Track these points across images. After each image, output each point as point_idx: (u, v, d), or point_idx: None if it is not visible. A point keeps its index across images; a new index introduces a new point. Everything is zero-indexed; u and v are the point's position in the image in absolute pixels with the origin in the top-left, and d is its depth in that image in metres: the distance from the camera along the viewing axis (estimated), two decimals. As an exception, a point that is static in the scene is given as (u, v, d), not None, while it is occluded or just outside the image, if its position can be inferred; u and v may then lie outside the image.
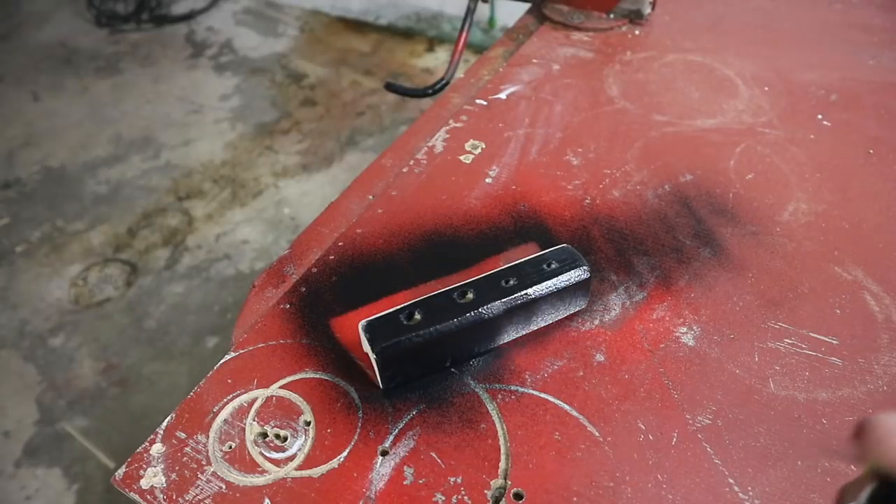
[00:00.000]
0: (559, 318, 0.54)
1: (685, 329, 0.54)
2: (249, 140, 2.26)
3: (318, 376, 0.50)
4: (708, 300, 0.56)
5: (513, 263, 0.52)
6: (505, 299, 0.49)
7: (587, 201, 0.66)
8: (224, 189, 2.06)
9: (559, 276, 0.51)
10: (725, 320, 0.55)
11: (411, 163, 0.70)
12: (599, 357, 0.52)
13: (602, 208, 0.65)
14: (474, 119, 0.77)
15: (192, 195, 2.05)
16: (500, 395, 0.49)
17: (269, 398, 0.49)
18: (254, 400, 0.49)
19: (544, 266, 0.51)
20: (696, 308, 0.56)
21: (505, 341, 0.52)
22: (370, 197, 0.68)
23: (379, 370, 0.48)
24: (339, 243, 0.61)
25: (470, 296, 0.49)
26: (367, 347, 0.48)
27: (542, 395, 0.49)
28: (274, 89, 2.49)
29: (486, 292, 0.50)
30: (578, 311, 0.55)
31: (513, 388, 0.50)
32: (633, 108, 0.79)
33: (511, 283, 0.50)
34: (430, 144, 0.73)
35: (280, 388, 0.50)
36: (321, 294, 0.56)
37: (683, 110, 0.78)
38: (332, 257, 0.60)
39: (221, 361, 0.52)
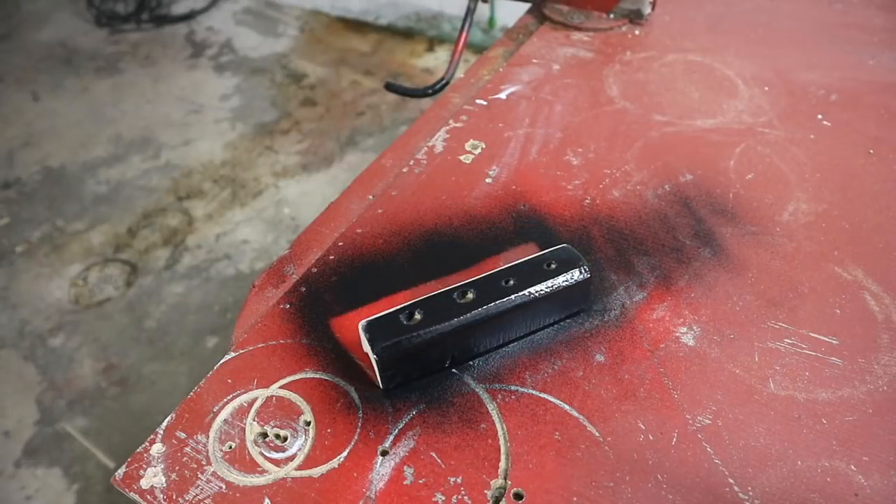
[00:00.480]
0: (559, 318, 0.54)
1: (685, 329, 0.54)
2: (249, 140, 2.26)
3: (318, 376, 0.50)
4: (708, 300, 0.56)
5: (513, 263, 0.52)
6: (505, 299, 0.49)
7: (587, 201, 0.66)
8: (224, 189, 2.06)
9: (559, 276, 0.51)
10: (725, 320, 0.55)
11: (411, 163, 0.70)
12: (599, 357, 0.52)
13: (602, 208, 0.65)
14: (474, 119, 0.77)
15: (192, 195, 2.05)
16: (500, 395, 0.49)
17: (269, 398, 0.49)
18: (254, 400, 0.49)
19: (544, 266, 0.51)
20: (696, 308, 0.56)
21: (505, 341, 0.52)
22: (370, 197, 0.68)
23: (379, 370, 0.48)
24: (339, 243, 0.61)
25: (470, 296, 0.49)
26: (367, 347, 0.48)
27: (542, 395, 0.49)
28: (274, 89, 2.49)
29: (486, 292, 0.50)
30: (578, 311, 0.55)
31: (513, 388, 0.50)
32: (633, 108, 0.79)
33: (511, 283, 0.50)
34: (430, 144, 0.73)
35: (280, 388, 0.50)
36: (321, 294, 0.56)
37: (683, 110, 0.78)
38: (332, 257, 0.60)
39: (221, 361, 0.52)
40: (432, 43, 2.71)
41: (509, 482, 0.44)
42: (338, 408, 0.49)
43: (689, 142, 0.74)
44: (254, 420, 0.48)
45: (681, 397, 0.49)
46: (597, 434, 0.47)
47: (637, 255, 0.60)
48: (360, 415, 0.48)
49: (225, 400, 0.49)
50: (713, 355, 0.52)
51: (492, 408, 0.49)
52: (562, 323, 0.54)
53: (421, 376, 0.50)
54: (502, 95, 0.81)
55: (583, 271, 0.51)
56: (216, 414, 0.48)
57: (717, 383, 0.50)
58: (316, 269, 0.59)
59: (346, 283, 0.57)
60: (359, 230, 0.63)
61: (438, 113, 0.79)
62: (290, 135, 2.28)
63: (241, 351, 0.52)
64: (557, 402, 0.49)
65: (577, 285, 0.51)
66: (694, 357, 0.52)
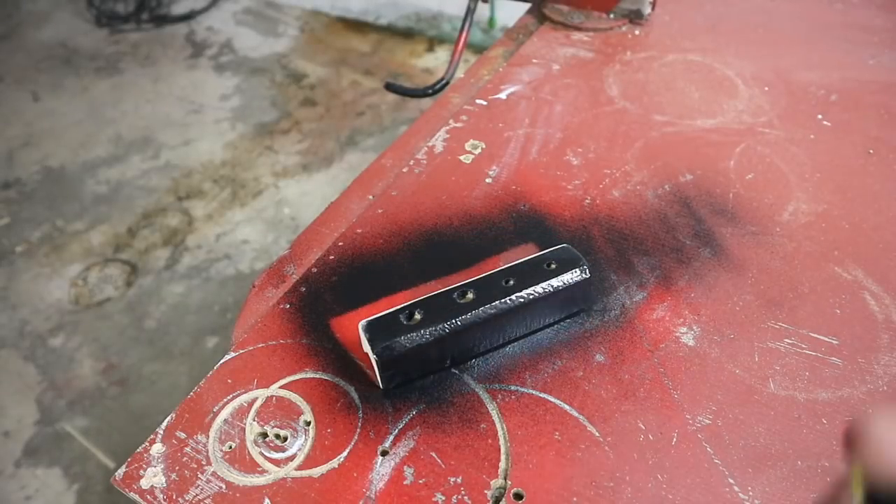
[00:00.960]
0: (559, 318, 0.54)
1: (685, 329, 0.54)
2: (249, 140, 2.26)
3: (318, 376, 0.50)
4: (708, 300, 0.56)
5: (513, 263, 0.52)
6: (505, 299, 0.49)
7: (587, 201, 0.66)
8: (224, 189, 2.06)
9: (559, 276, 0.51)
10: (725, 320, 0.55)
11: (411, 163, 0.70)
12: (599, 357, 0.52)
13: (602, 208, 0.65)
14: (474, 119, 0.77)
15: (192, 195, 2.05)
16: (500, 395, 0.49)
17: (269, 398, 0.49)
18: (254, 400, 0.49)
19: (544, 266, 0.51)
20: (696, 308, 0.56)
21: (505, 341, 0.52)
22: (370, 197, 0.68)
23: (379, 370, 0.48)
24: (339, 243, 0.61)
25: (470, 296, 0.50)
26: (367, 347, 0.48)
27: (542, 395, 0.49)
28: (274, 89, 2.49)
29: (486, 292, 0.50)
30: (578, 311, 0.55)
31: (513, 388, 0.50)
32: (633, 108, 0.79)
33: (511, 283, 0.50)
34: (430, 144, 0.73)
35: (280, 388, 0.50)
36: (321, 294, 0.56)
37: (683, 110, 0.78)
38: (332, 257, 0.60)
39: (221, 361, 0.52)
40: (432, 43, 2.71)
41: (509, 482, 0.44)
42: (338, 408, 0.49)
43: (689, 142, 0.74)
44: (254, 420, 0.48)
45: (681, 397, 0.49)
46: (597, 434, 0.47)
47: (637, 255, 0.60)
48: (360, 415, 0.48)
49: (225, 400, 0.49)
50: (713, 355, 0.52)
51: (492, 408, 0.49)
52: (562, 323, 0.54)
53: (421, 376, 0.50)
54: (502, 95, 0.81)
55: (583, 271, 0.51)
56: (216, 414, 0.48)
57: (717, 383, 0.50)
58: (316, 269, 0.59)
59: (346, 283, 0.57)
60: (359, 230, 0.63)
61: (438, 113, 0.79)
62: (290, 135, 2.27)
63: (241, 351, 0.52)
64: (557, 402, 0.49)
65: (577, 285, 0.52)
66: (694, 357, 0.52)
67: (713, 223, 0.63)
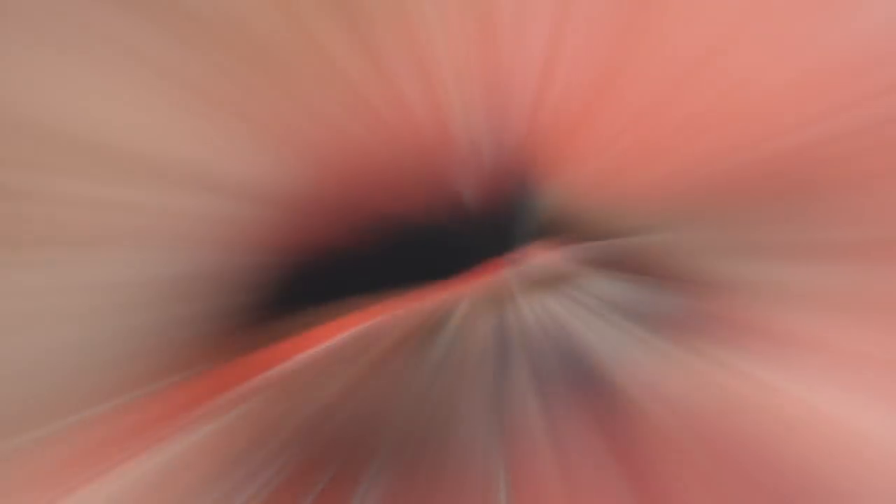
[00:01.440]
0: (598, 359, 0.37)
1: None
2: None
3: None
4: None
5: (529, 267, 0.37)
6: (512, 325, 0.34)
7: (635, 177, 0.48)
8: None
9: (595, 293, 0.35)
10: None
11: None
12: (658, 420, 0.35)
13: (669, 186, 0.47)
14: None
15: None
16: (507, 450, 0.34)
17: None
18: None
19: (573, 275, 0.36)
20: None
21: (517, 390, 0.37)
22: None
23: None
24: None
25: (460, 314, 0.35)
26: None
27: (584, 457, 0.33)
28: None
29: (483, 313, 0.34)
30: (630, 351, 0.38)
31: (526, 441, 0.35)
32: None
33: (525, 300, 0.35)
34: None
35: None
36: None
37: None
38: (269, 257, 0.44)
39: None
40: None
41: None
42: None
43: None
44: None
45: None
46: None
47: (746, 257, 0.42)
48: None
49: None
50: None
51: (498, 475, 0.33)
52: (600, 367, 0.38)
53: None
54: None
55: (637, 285, 0.36)
56: None
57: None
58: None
59: (283, 294, 0.42)
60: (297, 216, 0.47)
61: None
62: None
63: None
64: (607, 465, 0.33)
65: (626, 305, 0.35)
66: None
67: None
